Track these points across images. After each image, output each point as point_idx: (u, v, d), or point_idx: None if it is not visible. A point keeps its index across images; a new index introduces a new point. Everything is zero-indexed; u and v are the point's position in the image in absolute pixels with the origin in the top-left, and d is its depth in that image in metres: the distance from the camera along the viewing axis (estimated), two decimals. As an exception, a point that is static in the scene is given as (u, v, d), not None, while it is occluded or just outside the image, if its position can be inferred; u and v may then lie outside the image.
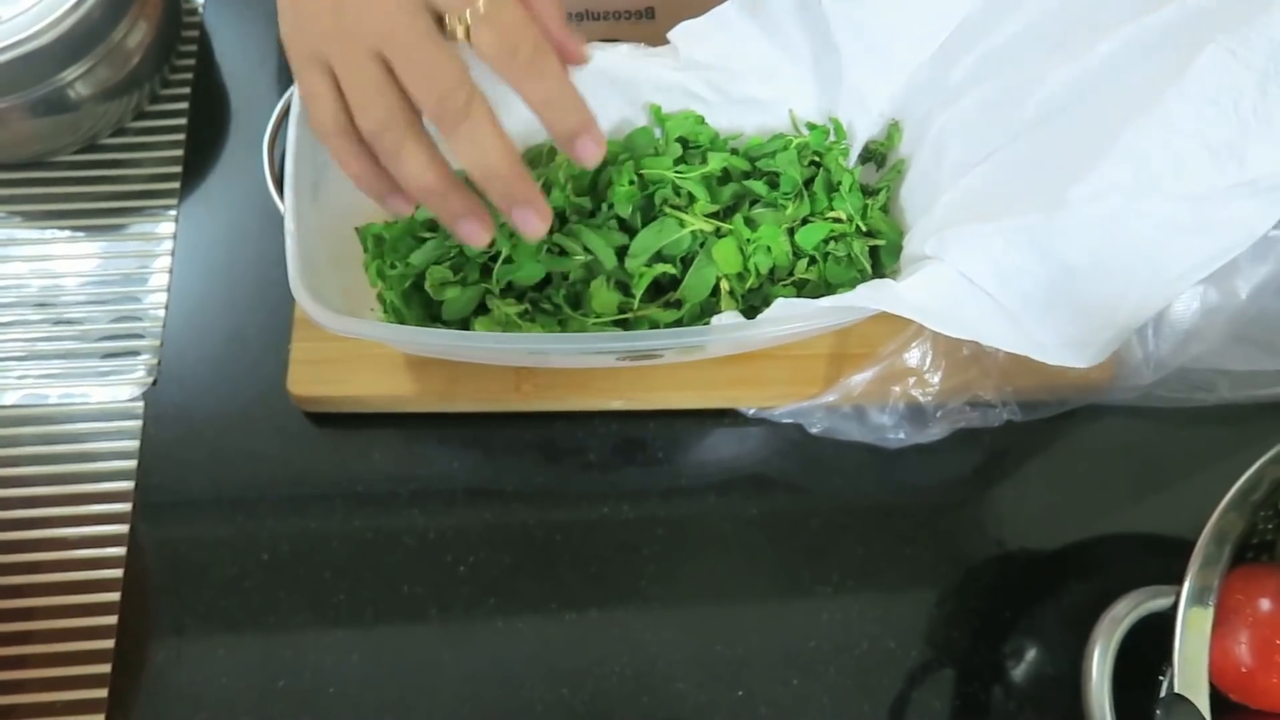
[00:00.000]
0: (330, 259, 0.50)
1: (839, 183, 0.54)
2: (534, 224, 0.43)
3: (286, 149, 0.49)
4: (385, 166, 0.43)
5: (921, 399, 0.54)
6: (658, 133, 0.55)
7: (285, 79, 0.52)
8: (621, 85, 0.54)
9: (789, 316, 0.47)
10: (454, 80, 0.40)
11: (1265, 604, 0.44)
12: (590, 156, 0.43)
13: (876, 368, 0.54)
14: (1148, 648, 0.45)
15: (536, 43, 0.41)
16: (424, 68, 0.40)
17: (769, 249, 0.51)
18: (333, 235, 0.51)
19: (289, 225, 0.48)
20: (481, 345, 0.49)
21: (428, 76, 0.40)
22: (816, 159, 0.55)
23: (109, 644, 0.50)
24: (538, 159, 0.54)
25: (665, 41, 0.54)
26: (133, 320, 0.57)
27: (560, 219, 0.52)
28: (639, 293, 0.50)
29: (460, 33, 0.40)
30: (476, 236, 0.44)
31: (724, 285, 0.51)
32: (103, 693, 0.49)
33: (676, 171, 0.52)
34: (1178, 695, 0.41)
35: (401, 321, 0.51)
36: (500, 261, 0.50)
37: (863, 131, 0.55)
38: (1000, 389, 0.55)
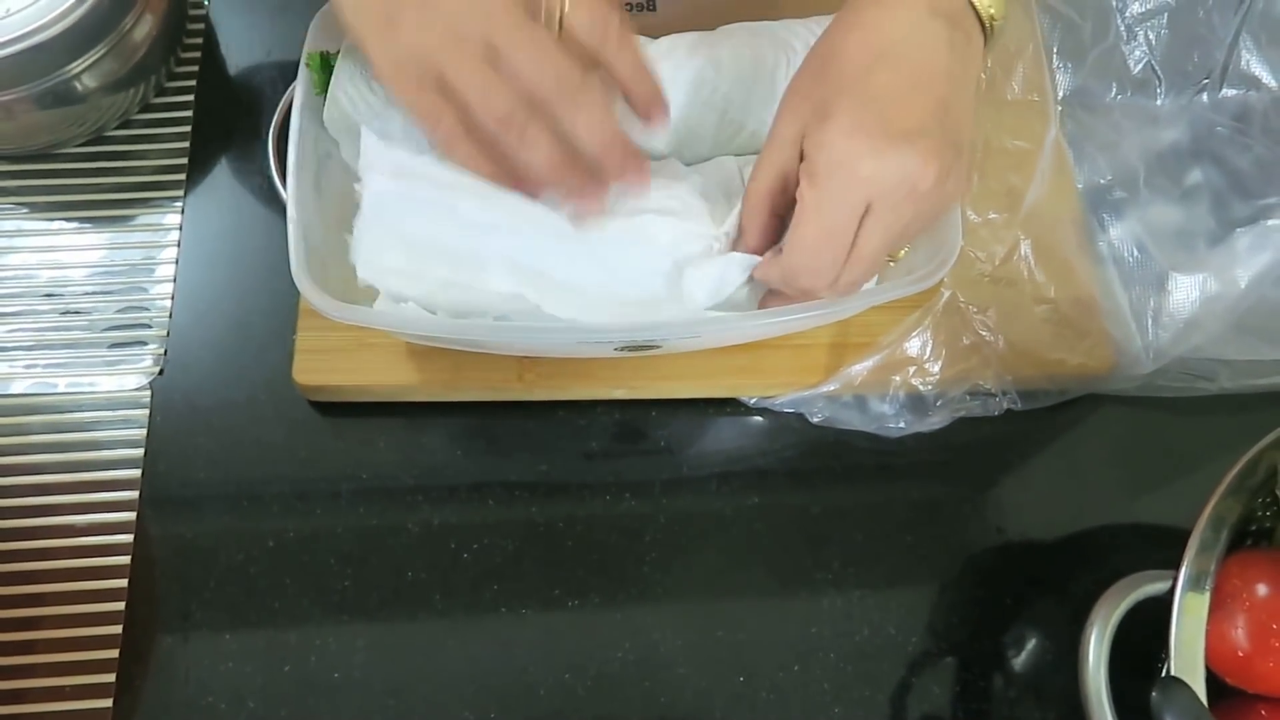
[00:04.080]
0: (333, 248, 0.50)
1: None
2: (643, 181, 0.47)
3: (289, 140, 0.50)
4: (513, 154, 0.45)
5: (922, 388, 0.54)
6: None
7: (290, 71, 0.53)
8: None
9: None
10: (566, 60, 0.44)
11: (1262, 589, 0.44)
12: (660, 122, 0.48)
13: (877, 357, 0.54)
14: (1145, 635, 0.45)
15: (622, 18, 0.45)
16: (538, 54, 0.44)
17: None
18: (335, 224, 0.51)
19: (291, 214, 0.48)
20: (478, 336, 0.49)
21: (542, 61, 0.44)
22: None
23: (116, 629, 0.50)
24: None
25: (666, 35, 0.54)
26: (139, 310, 0.58)
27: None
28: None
29: (556, 19, 0.44)
30: (596, 207, 0.47)
31: None
32: (110, 677, 0.50)
33: None
34: (1174, 678, 0.41)
35: None
36: None
37: None
38: (1000, 378, 0.55)
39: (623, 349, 0.51)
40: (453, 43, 0.44)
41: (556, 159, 0.45)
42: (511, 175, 0.46)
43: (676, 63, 0.52)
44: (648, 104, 0.47)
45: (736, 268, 0.48)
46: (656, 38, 0.54)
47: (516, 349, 0.54)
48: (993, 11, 0.46)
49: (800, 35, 0.53)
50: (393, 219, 0.48)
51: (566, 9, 0.44)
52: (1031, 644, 0.52)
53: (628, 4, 0.58)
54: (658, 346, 0.52)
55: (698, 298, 0.48)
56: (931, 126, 0.44)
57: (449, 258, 0.48)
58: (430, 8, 0.44)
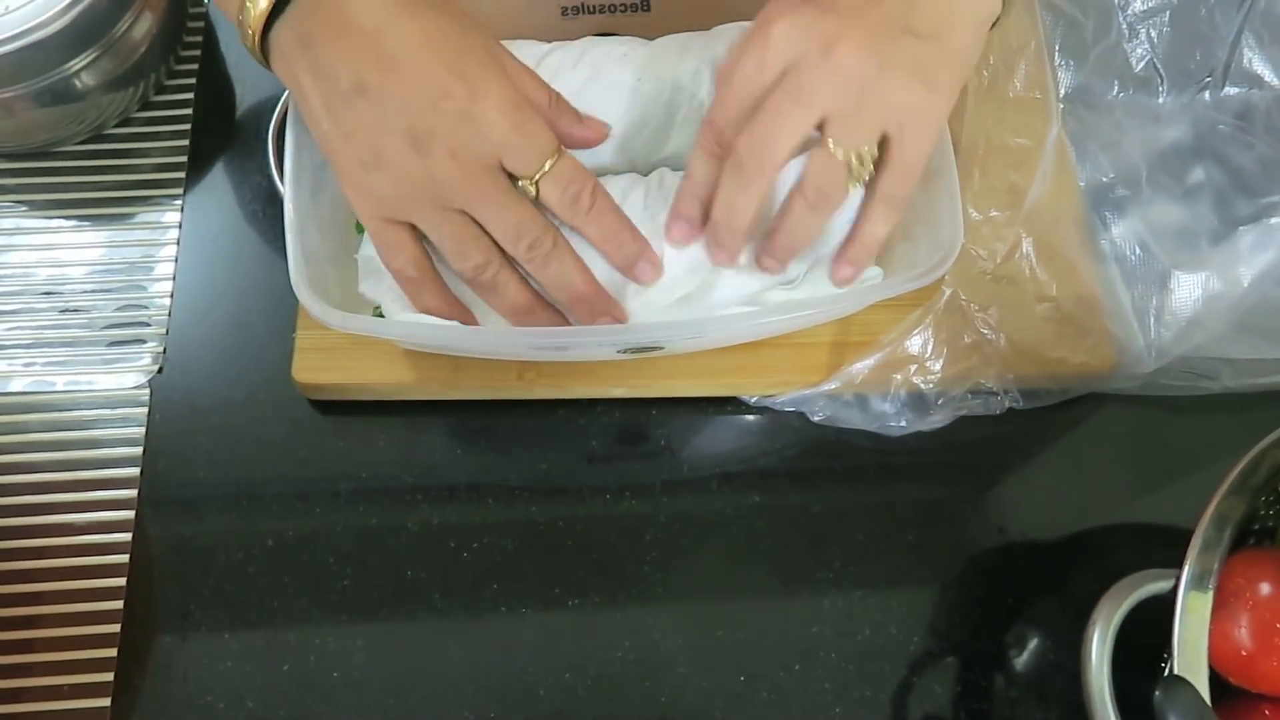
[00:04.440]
0: (331, 253, 0.50)
1: None
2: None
3: (286, 144, 0.50)
4: (482, 296, 0.48)
5: (923, 386, 0.54)
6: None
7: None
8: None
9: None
10: (539, 228, 0.46)
11: (1265, 588, 0.44)
12: (648, 278, 0.48)
13: (878, 355, 0.54)
14: (1148, 634, 0.45)
15: (593, 188, 0.46)
16: (512, 221, 0.45)
17: None
18: (333, 230, 0.51)
19: (289, 221, 0.48)
20: (480, 341, 0.49)
21: (516, 228, 0.45)
22: None
23: (115, 628, 0.50)
24: None
25: (661, 34, 0.54)
26: (138, 308, 0.58)
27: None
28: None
29: (531, 190, 0.45)
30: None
31: None
32: (109, 676, 0.49)
33: None
34: (1177, 677, 0.41)
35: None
36: None
37: None
38: (1002, 376, 0.55)
39: (625, 351, 0.51)
40: (430, 200, 0.45)
41: (523, 304, 0.48)
42: (460, 312, 0.48)
43: (671, 64, 0.52)
44: (628, 265, 0.48)
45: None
46: (651, 38, 0.54)
47: (519, 355, 0.54)
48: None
49: None
50: None
51: (539, 180, 0.45)
52: (1033, 643, 0.52)
53: (622, 5, 0.58)
54: (661, 348, 0.52)
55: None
56: (870, 6, 0.43)
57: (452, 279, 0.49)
58: (409, 163, 0.44)
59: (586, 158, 0.52)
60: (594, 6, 0.57)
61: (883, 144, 0.45)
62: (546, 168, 0.45)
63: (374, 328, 0.49)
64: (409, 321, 0.48)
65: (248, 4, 0.44)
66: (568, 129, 0.48)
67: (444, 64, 0.43)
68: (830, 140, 0.44)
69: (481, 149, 0.44)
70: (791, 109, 0.43)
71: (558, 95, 0.48)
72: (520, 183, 0.45)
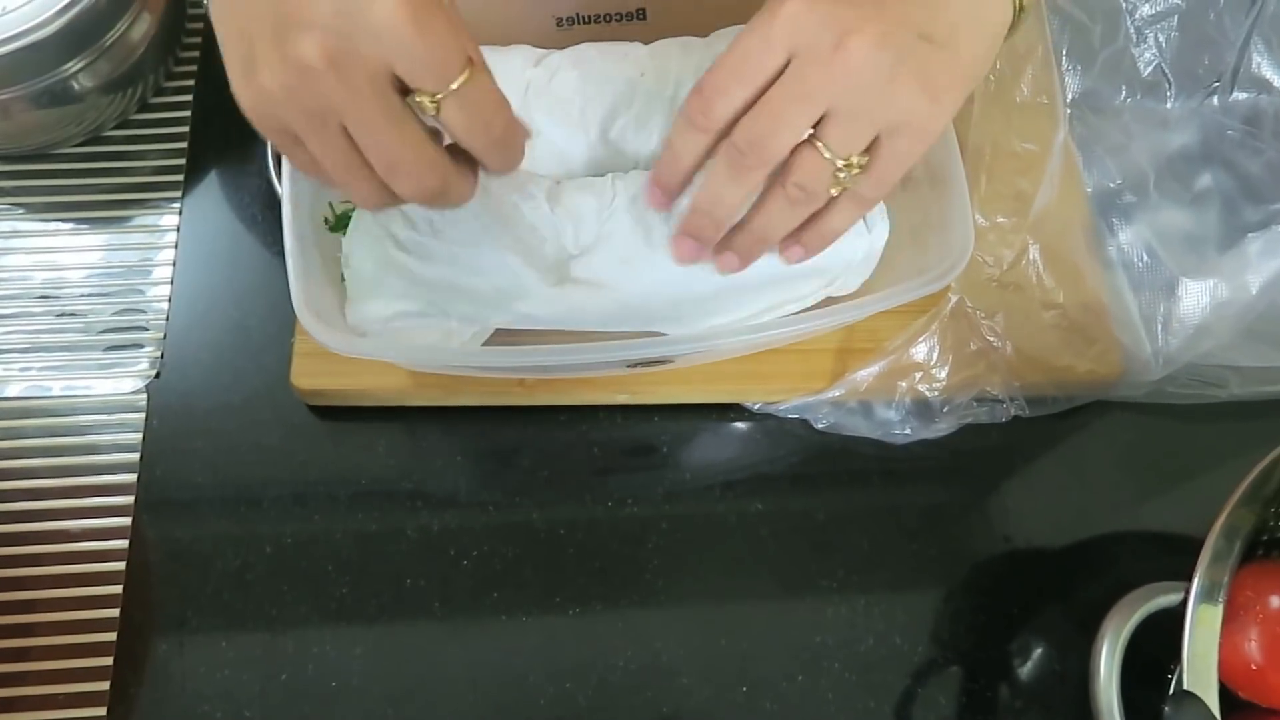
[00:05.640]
0: (329, 276, 0.49)
1: None
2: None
3: (283, 166, 0.49)
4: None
5: (928, 394, 0.54)
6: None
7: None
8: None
9: None
10: (426, 169, 0.39)
11: (1276, 601, 0.43)
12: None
13: (883, 362, 0.54)
14: (1157, 646, 0.45)
15: (507, 120, 0.40)
16: (393, 156, 0.38)
17: None
18: (332, 250, 0.50)
19: (289, 244, 0.47)
20: (485, 362, 0.49)
21: (395, 165, 0.39)
22: None
23: (111, 636, 0.50)
24: None
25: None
26: (136, 312, 0.57)
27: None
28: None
29: (429, 108, 0.37)
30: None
31: None
32: (105, 685, 0.49)
33: None
34: (1187, 692, 0.41)
35: None
36: None
37: None
38: (1007, 384, 0.54)
39: (635, 365, 0.51)
40: (303, 111, 0.38)
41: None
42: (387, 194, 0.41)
43: (674, 59, 0.52)
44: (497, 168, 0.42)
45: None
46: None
47: (524, 373, 0.53)
48: None
49: None
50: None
51: (441, 100, 0.37)
52: (1039, 654, 0.52)
53: (618, 14, 0.57)
54: (670, 361, 0.52)
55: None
56: (889, 2, 0.40)
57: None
58: (279, 62, 0.37)
59: (588, 151, 0.51)
60: (589, 16, 0.55)
61: (871, 145, 0.42)
62: (455, 85, 0.37)
63: (374, 350, 0.48)
64: (407, 346, 0.48)
65: None
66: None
67: None
68: (821, 143, 0.41)
69: (366, 52, 0.36)
70: (796, 107, 0.41)
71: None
72: (417, 98, 0.37)
